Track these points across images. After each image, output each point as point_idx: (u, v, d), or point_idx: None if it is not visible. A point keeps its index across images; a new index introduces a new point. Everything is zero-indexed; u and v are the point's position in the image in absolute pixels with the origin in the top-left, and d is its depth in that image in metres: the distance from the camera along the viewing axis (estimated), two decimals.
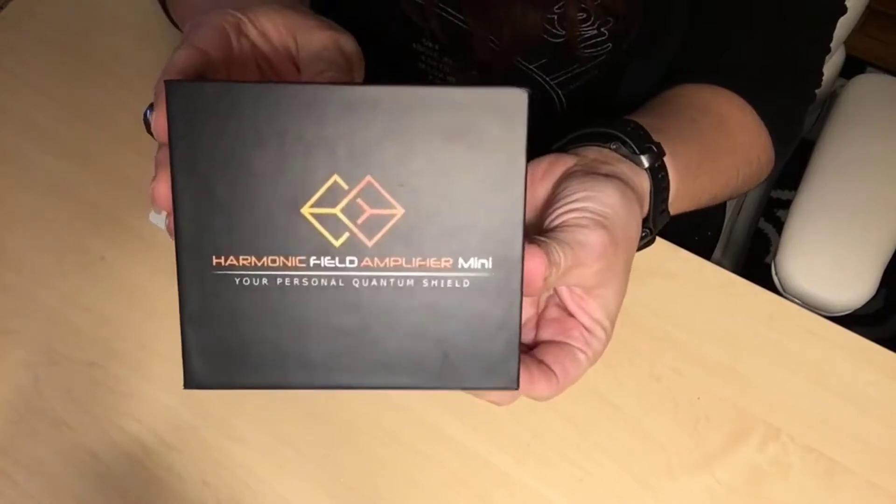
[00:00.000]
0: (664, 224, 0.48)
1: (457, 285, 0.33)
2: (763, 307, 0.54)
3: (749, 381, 0.51)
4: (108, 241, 0.59)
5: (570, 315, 0.40)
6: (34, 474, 0.50)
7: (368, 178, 0.32)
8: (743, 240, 0.85)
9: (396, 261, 0.32)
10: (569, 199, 0.40)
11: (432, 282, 0.33)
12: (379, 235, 0.32)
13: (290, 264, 0.32)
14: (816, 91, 0.61)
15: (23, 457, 0.51)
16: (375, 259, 0.32)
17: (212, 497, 0.49)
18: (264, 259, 0.32)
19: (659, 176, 0.46)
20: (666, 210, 0.47)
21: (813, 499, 0.47)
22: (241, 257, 0.32)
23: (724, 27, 0.58)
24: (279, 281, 0.32)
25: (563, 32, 0.59)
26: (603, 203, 0.40)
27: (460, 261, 0.33)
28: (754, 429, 0.50)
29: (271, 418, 0.51)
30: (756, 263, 0.67)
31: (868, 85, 0.72)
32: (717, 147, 0.54)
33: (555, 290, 0.40)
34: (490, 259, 0.33)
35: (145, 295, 0.57)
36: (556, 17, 0.58)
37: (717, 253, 0.83)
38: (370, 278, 0.33)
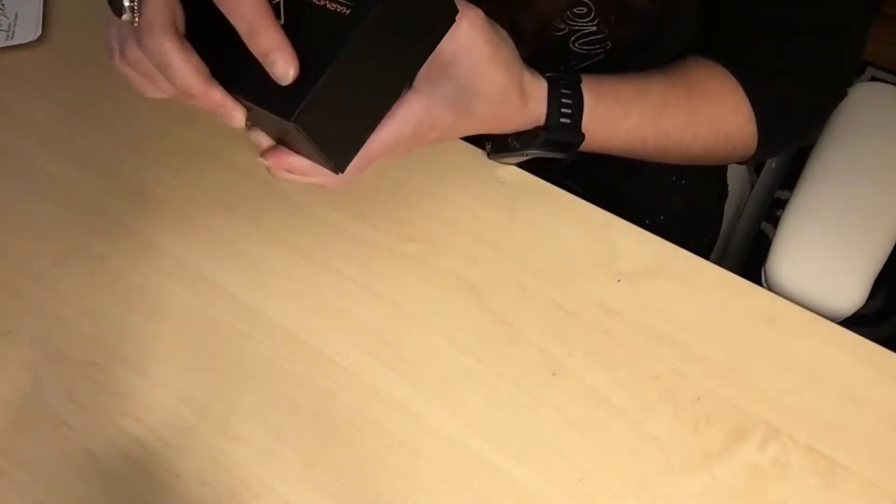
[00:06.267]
0: (576, 141, 0.53)
1: None
2: (763, 307, 0.54)
3: (749, 381, 0.51)
4: (108, 242, 0.59)
5: None
6: (34, 474, 0.50)
7: None
8: (742, 244, 0.85)
9: None
10: None
11: None
12: None
13: None
14: (841, 89, 0.61)
15: (23, 457, 0.51)
16: None
17: (211, 497, 0.49)
18: None
19: (562, 90, 0.52)
20: (573, 125, 0.53)
21: (813, 499, 0.47)
22: None
23: (741, 11, 0.58)
24: None
25: (563, 27, 0.59)
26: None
27: None
28: (754, 429, 0.50)
29: (271, 418, 0.51)
30: (757, 263, 0.67)
31: (869, 93, 0.72)
32: (666, 99, 0.56)
33: None
34: None
35: (145, 295, 0.57)
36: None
37: (713, 258, 0.83)
38: None
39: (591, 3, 0.57)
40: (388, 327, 0.54)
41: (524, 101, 0.51)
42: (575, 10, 0.57)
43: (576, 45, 0.60)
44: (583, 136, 0.53)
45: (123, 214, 0.60)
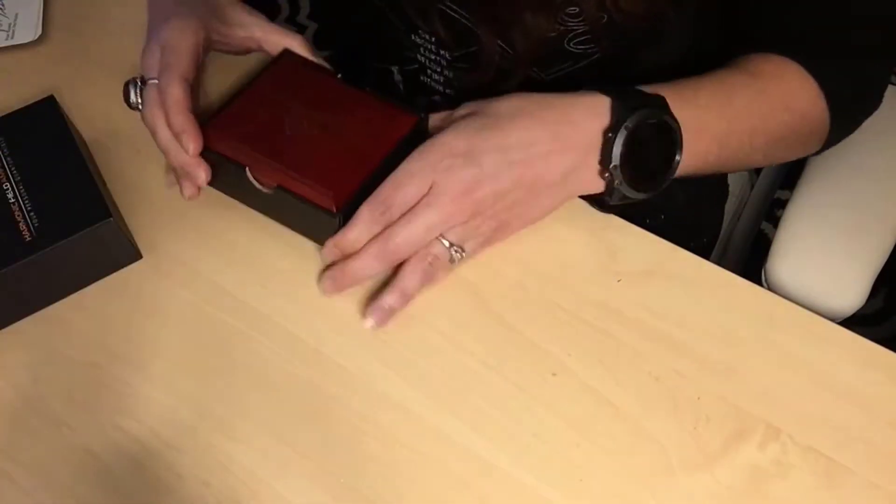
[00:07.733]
0: (676, 129, 0.53)
1: None
2: (763, 307, 0.54)
3: (749, 381, 0.51)
4: None
5: None
6: (34, 474, 0.50)
7: None
8: (742, 244, 0.84)
9: None
10: None
11: None
12: None
13: None
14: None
15: (23, 457, 0.51)
16: None
17: (212, 497, 0.49)
18: None
19: (627, 92, 0.52)
20: (662, 118, 0.52)
21: (813, 499, 0.47)
22: None
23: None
24: None
25: (558, 28, 0.59)
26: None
27: None
28: (754, 429, 0.50)
29: (271, 418, 0.51)
30: (757, 263, 0.67)
31: None
32: (733, 85, 0.56)
33: None
34: None
35: (145, 295, 0.57)
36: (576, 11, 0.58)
37: (713, 258, 0.83)
38: None
39: (581, 3, 0.57)
40: (389, 327, 0.54)
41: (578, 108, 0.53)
42: (568, 11, 0.58)
43: (571, 44, 0.60)
44: (676, 123, 0.53)
45: (123, 214, 0.60)
